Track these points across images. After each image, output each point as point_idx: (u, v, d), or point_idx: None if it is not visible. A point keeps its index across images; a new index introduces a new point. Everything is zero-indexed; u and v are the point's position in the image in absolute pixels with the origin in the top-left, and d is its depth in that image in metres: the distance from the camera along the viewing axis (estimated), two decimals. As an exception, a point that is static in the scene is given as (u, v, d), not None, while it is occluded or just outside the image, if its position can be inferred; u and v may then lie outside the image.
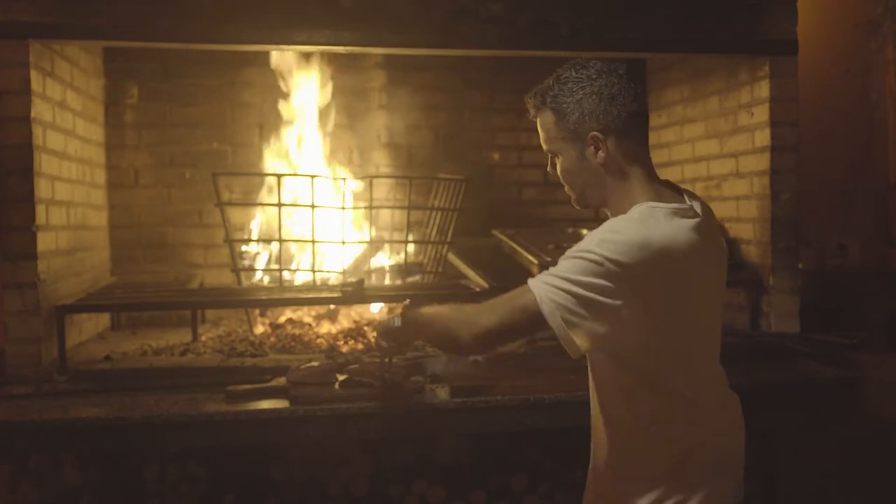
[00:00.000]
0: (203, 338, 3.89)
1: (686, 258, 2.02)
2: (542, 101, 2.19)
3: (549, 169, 2.29)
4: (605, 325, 1.98)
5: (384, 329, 2.55)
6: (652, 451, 2.13)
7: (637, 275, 1.96)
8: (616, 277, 1.95)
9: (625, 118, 2.13)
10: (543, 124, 2.22)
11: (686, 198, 2.16)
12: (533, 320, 2.01)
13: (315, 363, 3.11)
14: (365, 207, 4.08)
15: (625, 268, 1.95)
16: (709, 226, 2.14)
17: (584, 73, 2.15)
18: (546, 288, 2.00)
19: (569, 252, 2.05)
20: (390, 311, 2.54)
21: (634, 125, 2.17)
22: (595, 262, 1.96)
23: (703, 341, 2.17)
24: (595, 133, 2.13)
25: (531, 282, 2.05)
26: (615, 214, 2.14)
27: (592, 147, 2.14)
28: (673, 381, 2.09)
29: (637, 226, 2.01)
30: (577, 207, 2.29)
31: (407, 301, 2.46)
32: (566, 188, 2.25)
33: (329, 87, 4.51)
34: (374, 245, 4.22)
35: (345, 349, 3.64)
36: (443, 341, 2.34)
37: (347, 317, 4.04)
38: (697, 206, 2.14)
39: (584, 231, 4.41)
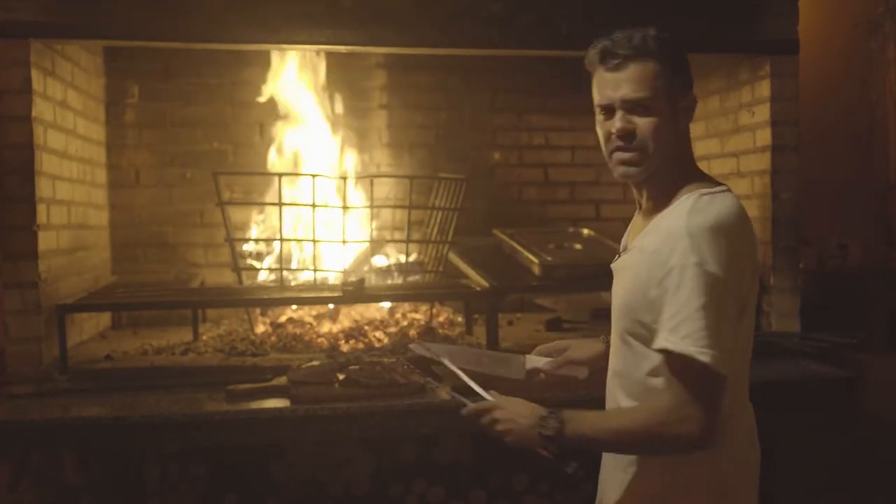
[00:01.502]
0: (204, 337, 3.90)
1: (748, 245, 2.00)
2: (647, 50, 2.02)
3: (617, 126, 2.01)
4: (734, 331, 1.91)
5: (536, 442, 2.00)
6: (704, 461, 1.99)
7: (743, 275, 1.93)
8: (731, 283, 1.88)
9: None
10: (642, 73, 2.00)
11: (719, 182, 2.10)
12: (718, 379, 1.85)
13: (316, 362, 3.11)
14: (366, 207, 4.08)
15: (734, 272, 1.89)
16: (747, 215, 2.11)
17: (666, 35, 2.07)
18: (688, 344, 1.83)
19: (681, 279, 1.86)
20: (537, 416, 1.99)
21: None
22: (710, 273, 1.84)
23: (751, 342, 2.07)
24: (694, 96, 2.07)
25: (673, 348, 1.86)
26: (658, 189, 2.05)
27: (688, 110, 2.08)
28: (736, 381, 1.99)
29: (734, 220, 1.95)
30: (629, 175, 2.05)
31: (550, 416, 1.98)
32: (627, 154, 2.03)
33: (330, 87, 4.51)
34: (375, 244, 4.22)
35: (345, 349, 3.64)
36: (651, 453, 2.03)
37: (348, 316, 4.04)
38: None
39: (585, 231, 4.41)
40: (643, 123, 2.00)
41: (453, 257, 4.11)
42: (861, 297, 4.11)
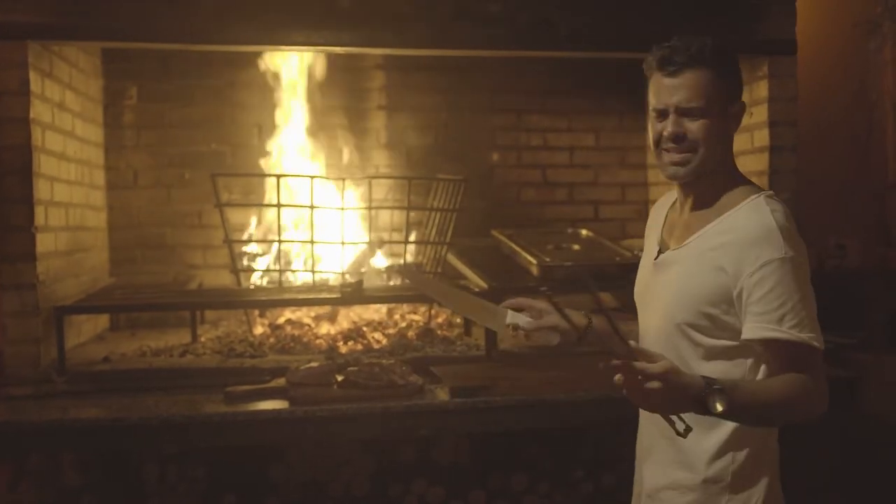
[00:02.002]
0: (202, 339, 3.89)
1: None
2: (703, 58, 2.11)
3: (668, 130, 2.12)
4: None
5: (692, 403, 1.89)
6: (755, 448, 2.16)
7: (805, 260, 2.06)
8: (803, 267, 2.04)
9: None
10: (697, 81, 2.11)
11: None
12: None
13: (314, 364, 3.11)
14: (364, 208, 4.08)
15: (801, 255, 2.04)
16: None
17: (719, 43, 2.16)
18: (802, 333, 2.02)
19: (769, 281, 2.00)
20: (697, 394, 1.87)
21: None
22: (799, 265, 2.02)
23: None
24: (743, 102, 2.19)
25: (797, 339, 2.01)
26: (710, 190, 2.17)
27: (738, 115, 2.19)
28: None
29: (786, 218, 2.07)
30: (678, 175, 2.16)
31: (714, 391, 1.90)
32: (679, 156, 2.13)
33: (328, 88, 4.51)
34: (374, 245, 4.22)
35: (344, 350, 3.64)
36: (791, 420, 2.15)
37: (347, 318, 4.04)
38: None
39: (584, 232, 4.41)
40: (695, 127, 2.11)
41: (452, 258, 4.11)
42: (859, 298, 4.11)
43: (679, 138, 2.12)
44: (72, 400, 3.06)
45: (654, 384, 1.79)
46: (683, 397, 1.84)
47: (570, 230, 4.53)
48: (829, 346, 3.53)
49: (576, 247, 4.22)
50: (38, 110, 3.40)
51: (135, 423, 2.83)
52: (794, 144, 3.88)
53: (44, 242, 3.41)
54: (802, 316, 1.99)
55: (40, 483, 3.06)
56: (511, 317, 2.49)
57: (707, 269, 2.07)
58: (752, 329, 2.01)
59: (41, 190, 3.40)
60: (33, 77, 3.35)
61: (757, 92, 3.94)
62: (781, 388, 1.99)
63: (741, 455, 2.12)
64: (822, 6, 4.76)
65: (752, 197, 2.12)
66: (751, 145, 4.00)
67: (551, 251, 4.01)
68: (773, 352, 2.02)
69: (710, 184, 2.17)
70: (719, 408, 1.85)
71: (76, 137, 3.94)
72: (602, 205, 5.03)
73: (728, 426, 2.08)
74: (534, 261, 3.84)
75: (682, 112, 2.11)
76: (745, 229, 2.05)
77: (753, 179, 3.89)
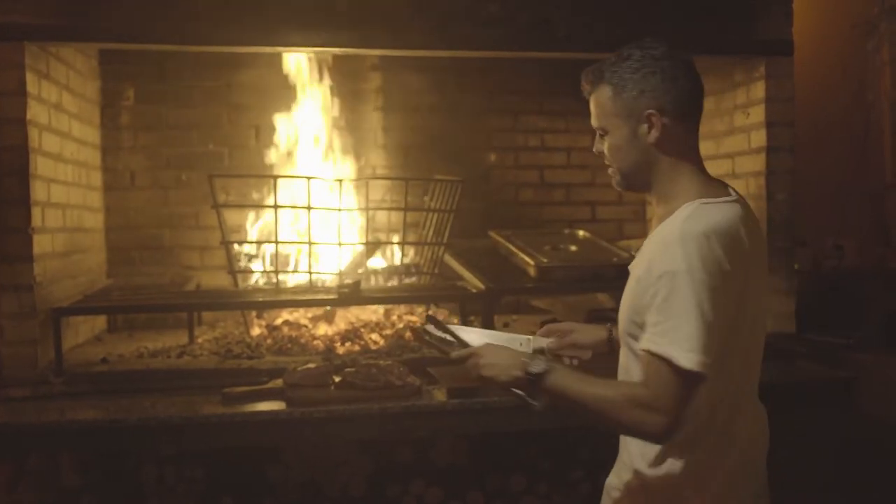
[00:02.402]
0: (199, 340, 3.89)
1: (749, 255, 2.02)
2: (601, 76, 2.15)
3: (594, 148, 2.23)
4: (719, 336, 1.93)
5: (515, 379, 2.12)
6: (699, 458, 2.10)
7: (727, 280, 1.94)
8: (717, 287, 1.91)
9: (683, 101, 2.12)
10: (598, 99, 2.17)
11: (731, 191, 2.14)
12: (693, 381, 1.91)
13: (312, 365, 3.11)
14: (361, 209, 4.08)
15: (717, 277, 1.92)
16: (755, 222, 2.15)
17: (649, 52, 2.13)
18: (674, 347, 1.91)
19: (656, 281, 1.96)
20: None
21: (691, 111, 2.15)
22: (694, 280, 1.91)
23: (758, 344, 2.15)
24: (651, 111, 2.10)
25: (653, 347, 1.94)
26: (660, 199, 2.14)
27: (646, 125, 2.11)
28: (738, 380, 2.10)
29: (714, 227, 1.97)
30: (619, 189, 2.25)
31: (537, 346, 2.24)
32: (610, 169, 2.22)
33: (325, 89, 4.51)
34: (371, 246, 4.21)
35: (341, 351, 3.64)
36: (617, 430, 2.18)
37: (344, 319, 4.03)
38: (744, 200, 2.14)
39: (581, 233, 4.41)
40: (606, 146, 2.19)
41: (449, 259, 4.11)
42: (857, 298, 4.11)
43: (603, 156, 2.21)
44: (70, 401, 3.06)
45: (471, 363, 2.17)
46: (505, 366, 2.11)
47: (567, 231, 4.52)
48: (825, 346, 3.59)
49: (573, 248, 4.22)
50: (35, 111, 3.39)
51: (133, 425, 2.83)
52: (792, 145, 3.89)
53: (41, 244, 3.40)
54: (682, 331, 1.90)
55: (39, 484, 3.06)
56: (535, 342, 2.53)
57: (632, 279, 2.12)
58: (642, 340, 1.99)
59: (38, 191, 3.40)
60: (30, 78, 3.34)
61: (754, 92, 3.94)
62: (603, 392, 1.99)
63: (678, 464, 2.09)
64: (819, 7, 4.77)
65: (687, 205, 2.05)
66: (748, 146, 4.00)
67: (548, 252, 4.01)
68: (649, 363, 1.96)
69: (664, 193, 2.14)
70: (536, 370, 2.05)
71: (73, 139, 3.93)
72: (599, 206, 5.03)
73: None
74: (531, 261, 3.84)
75: (599, 132, 2.20)
76: (657, 240, 2.05)
77: (750, 181, 3.96)
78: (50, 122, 3.58)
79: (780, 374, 3.38)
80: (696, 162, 2.16)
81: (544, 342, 2.53)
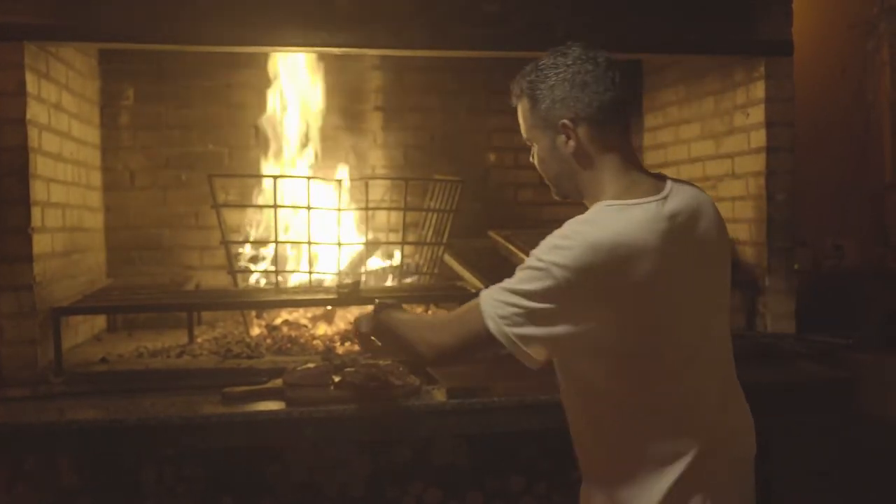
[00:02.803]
0: (199, 340, 3.89)
1: (650, 255, 1.91)
2: (520, 88, 2.19)
3: (530, 158, 2.25)
4: (558, 334, 1.93)
5: (360, 327, 2.46)
6: (624, 465, 2.06)
7: (588, 279, 1.89)
8: (565, 283, 1.88)
9: (596, 107, 2.06)
10: (521, 111, 2.21)
11: (668, 189, 2.04)
12: (485, 340, 1.97)
13: (311, 365, 3.11)
14: (361, 209, 4.08)
15: (573, 272, 1.88)
16: (692, 218, 2.03)
17: (561, 59, 2.11)
18: (493, 303, 1.96)
19: (525, 262, 1.99)
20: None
21: (608, 114, 2.08)
22: (542, 269, 1.91)
23: (691, 345, 2.04)
24: (564, 121, 2.08)
25: (481, 295, 2.01)
26: (591, 205, 2.07)
27: (563, 135, 2.09)
28: (646, 392, 2.01)
29: (587, 227, 1.95)
30: (557, 198, 2.24)
31: (377, 301, 2.41)
32: (545, 179, 2.22)
33: (325, 89, 4.51)
34: (371, 246, 4.21)
35: (341, 351, 3.63)
36: (407, 353, 2.33)
37: (344, 318, 4.03)
38: (680, 197, 2.03)
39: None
40: (534, 156, 2.23)
41: (448, 259, 4.11)
42: (857, 298, 4.11)
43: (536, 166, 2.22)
44: (69, 401, 3.05)
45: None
46: (359, 317, 2.48)
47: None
48: (825, 347, 3.59)
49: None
50: (35, 111, 3.39)
51: (132, 425, 2.82)
52: (791, 145, 3.88)
53: (40, 243, 3.40)
54: (503, 296, 1.95)
55: (37, 485, 3.06)
56: None
57: None
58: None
59: (38, 191, 3.39)
60: (30, 78, 3.34)
61: (754, 92, 3.94)
62: (408, 317, 2.29)
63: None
64: (819, 7, 4.77)
65: (594, 205, 2.04)
66: (747, 146, 4.00)
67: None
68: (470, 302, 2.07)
69: (592, 200, 2.10)
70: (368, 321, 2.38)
71: (73, 138, 3.93)
72: (599, 205, 5.02)
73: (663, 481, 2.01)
74: (531, 261, 3.83)
75: (528, 144, 2.24)
76: None
77: (750, 181, 3.96)
78: (49, 121, 3.58)
79: (779, 375, 3.38)
80: (622, 162, 2.09)
81: None
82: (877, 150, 4.97)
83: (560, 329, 1.93)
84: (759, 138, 3.91)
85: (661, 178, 2.10)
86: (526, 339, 1.93)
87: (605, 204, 2.00)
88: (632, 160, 2.12)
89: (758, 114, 3.91)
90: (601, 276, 1.89)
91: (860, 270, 4.54)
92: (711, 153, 4.31)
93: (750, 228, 3.99)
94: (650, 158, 4.93)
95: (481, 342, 1.99)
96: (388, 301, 2.43)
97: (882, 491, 3.38)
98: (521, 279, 1.95)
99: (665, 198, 2.01)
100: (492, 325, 1.94)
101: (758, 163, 3.92)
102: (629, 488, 2.06)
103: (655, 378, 2.01)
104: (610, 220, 1.95)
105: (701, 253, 2.05)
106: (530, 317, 1.92)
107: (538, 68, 2.15)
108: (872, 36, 4.86)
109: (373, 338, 2.42)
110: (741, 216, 4.05)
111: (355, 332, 2.52)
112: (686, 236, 2.01)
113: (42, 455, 3.03)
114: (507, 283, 1.98)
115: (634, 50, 3.90)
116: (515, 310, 1.93)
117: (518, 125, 2.28)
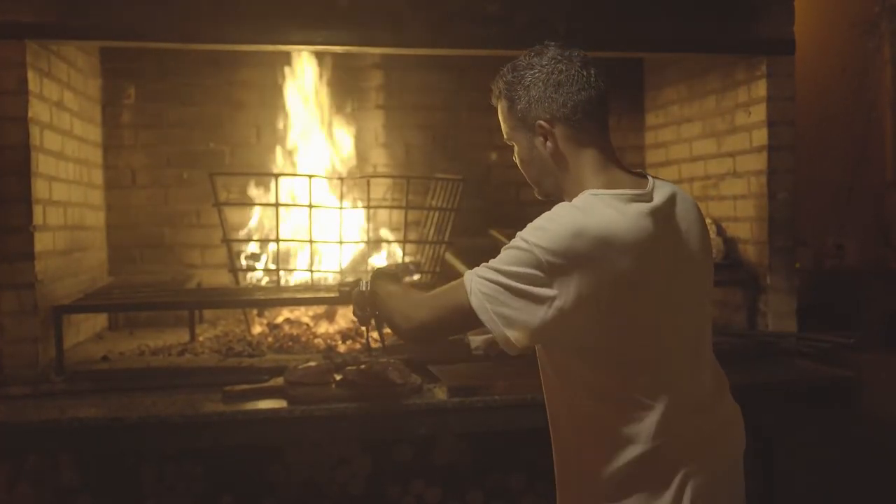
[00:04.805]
0: (200, 338, 3.89)
1: (634, 248, 1.90)
2: (498, 89, 2.17)
3: (513, 158, 2.24)
4: (539, 318, 1.89)
5: (356, 295, 2.51)
6: (606, 461, 2.01)
7: (571, 264, 1.87)
8: (548, 267, 1.87)
9: (571, 106, 2.05)
10: (500, 112, 2.20)
11: (651, 185, 2.02)
12: (466, 315, 1.96)
13: (312, 363, 3.11)
14: (363, 207, 4.08)
15: (557, 256, 1.87)
16: (674, 215, 2.03)
17: (536, 59, 2.09)
18: (477, 281, 1.95)
19: (511, 242, 1.98)
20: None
21: (585, 113, 2.06)
22: (526, 250, 1.90)
23: (672, 340, 2.01)
24: (541, 122, 2.07)
25: (466, 273, 2.00)
26: (570, 198, 2.05)
27: (541, 136, 2.09)
28: (628, 386, 1.97)
29: (574, 213, 1.93)
30: (540, 198, 2.22)
31: (375, 268, 2.44)
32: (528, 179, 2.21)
33: (326, 88, 4.51)
34: (372, 245, 4.21)
35: (342, 349, 3.64)
36: (389, 324, 2.34)
37: (345, 317, 4.03)
38: (662, 194, 2.02)
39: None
40: (515, 156, 2.23)
41: (450, 258, 4.10)
42: (858, 297, 4.12)
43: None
44: (70, 399, 3.06)
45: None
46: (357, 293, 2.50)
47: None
48: (826, 346, 3.59)
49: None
50: (37, 109, 3.39)
51: (133, 423, 2.83)
52: (793, 144, 3.88)
53: (42, 242, 3.40)
54: (486, 275, 1.94)
55: (38, 483, 3.07)
56: (473, 342, 2.58)
57: None
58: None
59: (39, 189, 3.40)
60: (31, 76, 3.34)
61: (755, 91, 3.94)
62: (401, 294, 2.27)
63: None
64: (820, 6, 4.76)
65: (580, 194, 2.01)
66: (749, 145, 4.00)
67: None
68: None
69: (573, 197, 2.05)
70: (364, 287, 2.46)
71: (74, 137, 3.93)
72: (600, 204, 5.01)
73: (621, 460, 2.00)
74: (532, 260, 3.83)
75: (510, 145, 2.23)
76: None
77: (751, 179, 3.96)
78: (51, 120, 3.58)
79: (780, 374, 3.39)
80: (602, 160, 2.08)
81: (478, 340, 2.64)
82: (878, 150, 4.97)
83: (540, 312, 1.89)
84: (760, 137, 3.91)
85: (643, 176, 2.09)
86: (506, 319, 1.91)
87: (590, 193, 1.99)
88: (611, 158, 2.10)
89: (759, 112, 3.91)
90: (583, 262, 1.87)
91: (861, 270, 4.54)
92: (713, 152, 4.31)
93: (751, 227, 3.99)
94: (651, 157, 4.93)
95: (460, 318, 2.00)
96: (386, 269, 2.53)
97: (883, 490, 3.38)
98: (505, 259, 1.94)
99: (648, 193, 2.00)
100: (474, 301, 1.93)
101: (759, 161, 3.92)
102: (610, 487, 2.02)
103: (637, 372, 1.98)
104: (597, 208, 1.93)
105: (683, 249, 2.04)
106: (512, 297, 1.90)
107: (514, 68, 2.13)
108: (874, 35, 4.86)
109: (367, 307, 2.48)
110: (742, 215, 4.05)
111: (353, 298, 2.55)
112: (668, 232, 2.00)
113: (43, 453, 3.03)
114: (493, 262, 1.97)
115: (636, 48, 3.91)
116: (498, 288, 1.91)
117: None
